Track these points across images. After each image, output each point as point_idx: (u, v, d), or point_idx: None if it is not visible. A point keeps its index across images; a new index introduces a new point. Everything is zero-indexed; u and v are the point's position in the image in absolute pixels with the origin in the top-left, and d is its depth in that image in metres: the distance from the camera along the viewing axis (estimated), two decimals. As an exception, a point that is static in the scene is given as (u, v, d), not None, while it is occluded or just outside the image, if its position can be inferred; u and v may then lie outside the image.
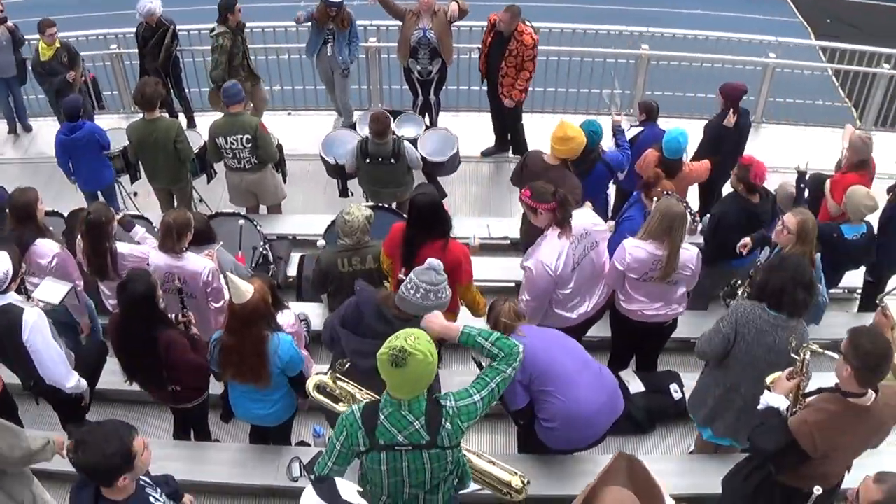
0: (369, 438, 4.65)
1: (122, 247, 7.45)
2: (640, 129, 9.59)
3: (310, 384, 5.62)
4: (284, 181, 10.22)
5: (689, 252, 7.02)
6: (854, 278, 8.86)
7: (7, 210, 7.38)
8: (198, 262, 7.21)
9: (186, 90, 12.40)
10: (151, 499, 4.70)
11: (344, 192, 10.11)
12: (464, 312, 7.41)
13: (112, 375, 7.08)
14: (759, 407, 5.47)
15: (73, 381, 6.51)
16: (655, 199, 7.30)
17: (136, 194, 10.70)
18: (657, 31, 13.45)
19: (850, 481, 5.65)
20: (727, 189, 8.56)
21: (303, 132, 12.34)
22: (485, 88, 11.34)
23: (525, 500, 5.68)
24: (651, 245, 6.90)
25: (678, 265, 6.91)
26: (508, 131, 11.59)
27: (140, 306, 6.18)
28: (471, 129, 11.56)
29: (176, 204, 9.95)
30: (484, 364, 5.06)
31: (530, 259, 6.97)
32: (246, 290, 5.92)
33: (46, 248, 7.22)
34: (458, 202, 11.23)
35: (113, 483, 4.41)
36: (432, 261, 5.49)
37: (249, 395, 6.44)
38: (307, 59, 11.79)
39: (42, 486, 6.21)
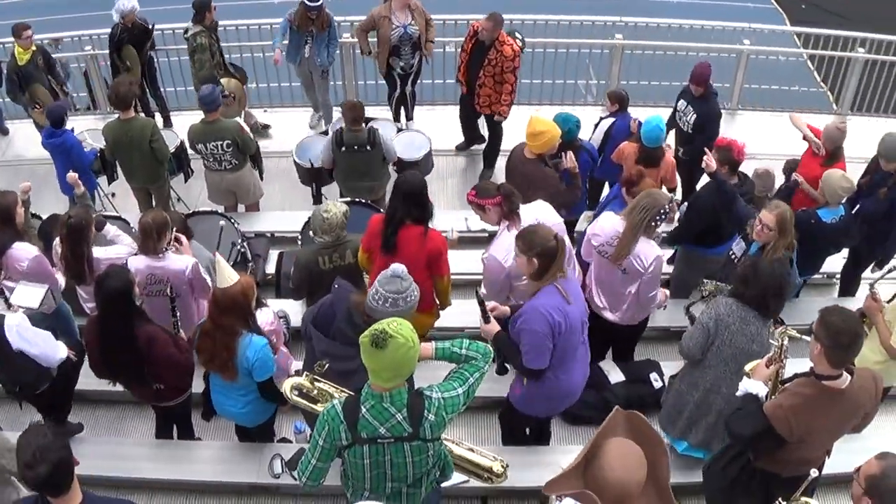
0: (351, 432, 4.65)
1: (97, 251, 7.41)
2: (612, 119, 9.63)
3: (286, 386, 5.58)
4: (261, 178, 10.21)
5: (650, 247, 6.92)
6: (833, 263, 8.92)
7: None
8: (179, 260, 7.19)
9: (162, 90, 12.35)
10: None
11: (318, 199, 10.12)
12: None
13: (92, 377, 7.08)
14: (738, 393, 5.50)
15: (63, 353, 6.58)
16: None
17: (113, 195, 10.66)
18: (631, 20, 13.46)
19: (832, 466, 5.71)
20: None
21: (279, 129, 12.38)
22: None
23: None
24: (620, 224, 6.92)
25: (632, 252, 6.86)
26: (488, 135, 11.44)
27: (117, 302, 6.16)
28: (446, 123, 11.58)
29: (154, 203, 9.93)
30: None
31: (485, 253, 7.04)
32: (231, 275, 6.00)
33: (23, 252, 7.18)
34: (436, 196, 11.15)
35: (72, 481, 4.34)
36: (396, 267, 5.46)
37: (224, 391, 6.47)
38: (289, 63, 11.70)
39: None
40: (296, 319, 8.04)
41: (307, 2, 10.73)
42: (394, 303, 5.38)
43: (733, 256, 7.57)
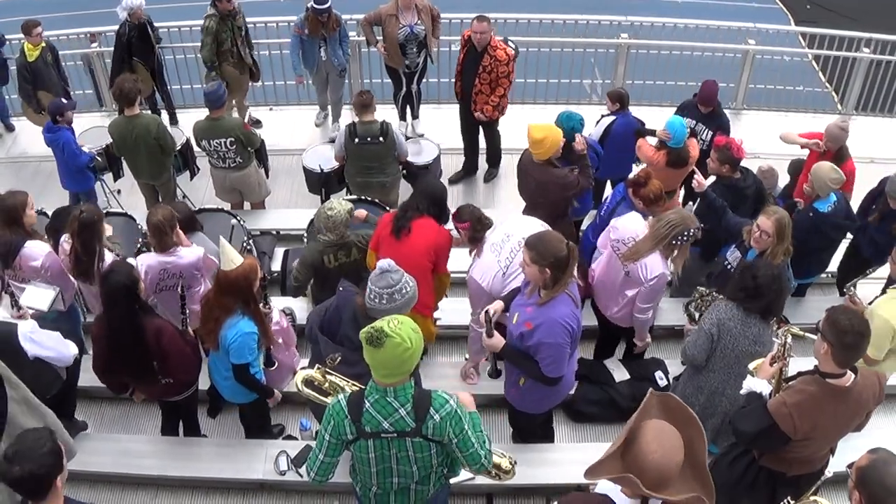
0: (356, 426, 4.67)
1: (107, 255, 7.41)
2: (613, 118, 9.61)
3: (298, 379, 5.65)
4: (267, 176, 10.22)
5: (658, 263, 6.90)
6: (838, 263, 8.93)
7: None
8: (190, 252, 7.22)
9: (168, 87, 12.37)
10: None
11: (327, 202, 10.12)
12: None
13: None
14: (742, 392, 5.52)
15: (74, 350, 6.57)
16: (642, 201, 7.44)
17: (119, 192, 10.69)
18: (636, 19, 13.51)
19: (836, 465, 5.71)
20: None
21: (285, 127, 12.40)
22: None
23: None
24: (642, 231, 6.97)
25: (642, 258, 6.89)
26: (486, 141, 11.32)
27: (122, 297, 6.14)
28: (452, 122, 11.55)
29: (160, 199, 9.95)
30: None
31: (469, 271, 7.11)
32: (234, 259, 6.05)
33: (37, 250, 7.14)
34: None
35: (50, 489, 4.33)
36: (382, 263, 5.51)
37: (214, 359, 6.61)
38: (306, 69, 11.64)
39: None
40: (301, 317, 8.06)
41: (315, 5, 10.76)
42: (389, 298, 5.43)
43: (728, 266, 7.55)
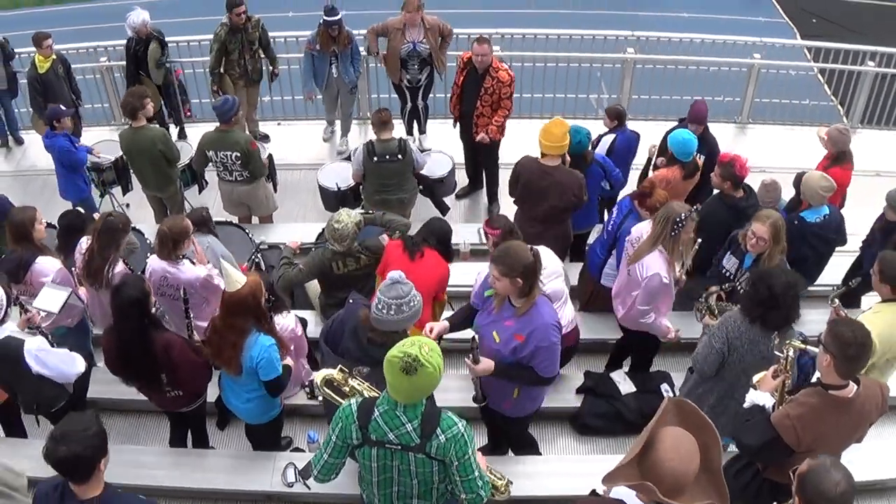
0: (362, 432, 4.72)
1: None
2: (613, 135, 9.62)
3: (318, 377, 5.62)
4: (275, 191, 10.28)
5: (655, 263, 6.97)
6: (840, 274, 8.92)
7: (6, 227, 7.40)
8: (191, 271, 7.31)
9: (178, 101, 12.36)
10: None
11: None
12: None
13: (104, 385, 7.21)
14: (745, 405, 5.54)
15: (81, 367, 6.60)
16: (649, 211, 7.47)
17: (128, 206, 10.75)
18: (642, 34, 13.52)
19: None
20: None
21: (293, 141, 12.45)
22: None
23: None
24: (648, 230, 7.12)
25: (640, 260, 7.02)
26: (483, 167, 11.16)
27: (133, 311, 6.19)
28: (459, 136, 11.60)
29: (168, 213, 10.02)
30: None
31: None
32: (238, 279, 6.03)
33: (48, 266, 7.21)
34: (450, 209, 11.25)
35: (93, 472, 4.43)
36: (393, 274, 5.57)
37: (230, 384, 6.56)
38: (317, 87, 11.71)
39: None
40: (312, 330, 8.08)
41: (326, 17, 10.83)
42: (398, 309, 5.49)
43: (726, 273, 7.56)
